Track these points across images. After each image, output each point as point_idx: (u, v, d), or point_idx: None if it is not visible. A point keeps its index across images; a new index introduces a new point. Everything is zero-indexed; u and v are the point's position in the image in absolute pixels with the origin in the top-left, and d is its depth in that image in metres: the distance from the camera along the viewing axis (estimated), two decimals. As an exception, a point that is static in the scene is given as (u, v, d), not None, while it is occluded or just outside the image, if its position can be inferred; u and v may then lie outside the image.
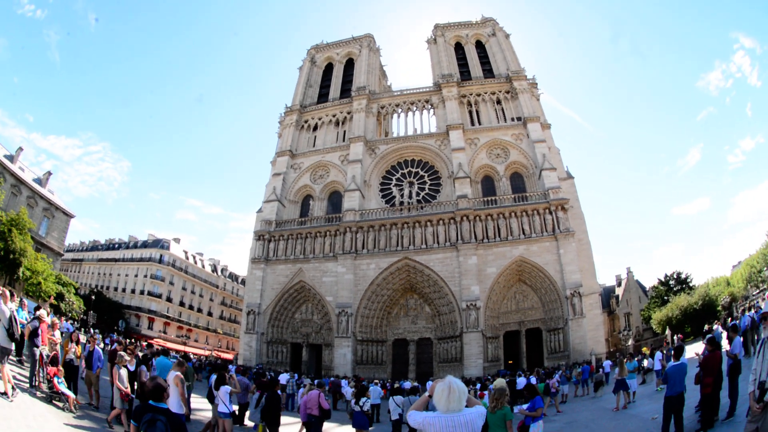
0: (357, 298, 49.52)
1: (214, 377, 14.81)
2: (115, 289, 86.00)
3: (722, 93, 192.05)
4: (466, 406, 4.94)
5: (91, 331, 50.82)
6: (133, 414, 6.34)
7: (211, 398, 14.07)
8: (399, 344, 50.68)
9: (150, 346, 52.49)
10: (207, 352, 74.38)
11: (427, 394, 5.42)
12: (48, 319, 15.82)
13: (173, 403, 11.13)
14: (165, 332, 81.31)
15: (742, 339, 20.09)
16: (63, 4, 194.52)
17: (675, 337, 42.82)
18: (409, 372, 47.85)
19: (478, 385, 19.69)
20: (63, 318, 43.32)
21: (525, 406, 12.49)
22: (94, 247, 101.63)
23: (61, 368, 13.86)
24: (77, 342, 15.12)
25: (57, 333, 16.16)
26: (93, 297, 68.93)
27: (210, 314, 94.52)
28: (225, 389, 13.27)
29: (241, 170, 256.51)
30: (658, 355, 25.01)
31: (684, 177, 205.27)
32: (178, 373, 11.46)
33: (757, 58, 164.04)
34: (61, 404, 13.15)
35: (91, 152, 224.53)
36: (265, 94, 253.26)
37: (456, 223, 49.36)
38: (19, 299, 19.94)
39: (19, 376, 14.43)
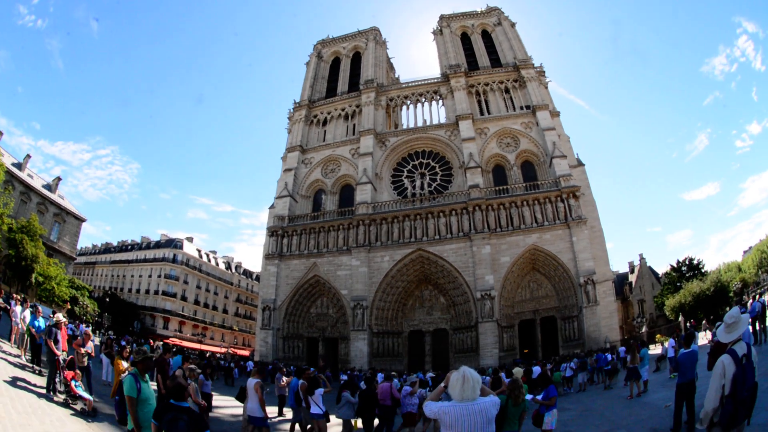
0: (372, 290, 49.59)
1: (297, 381, 14.97)
2: (129, 290, 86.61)
3: (728, 78, 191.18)
4: (481, 395, 5.11)
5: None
6: (155, 414, 6.32)
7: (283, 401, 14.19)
8: (415, 336, 50.72)
9: (165, 345, 52.92)
10: (223, 350, 74.75)
11: (442, 384, 5.56)
12: (65, 320, 15.71)
13: (254, 408, 11.69)
14: (180, 331, 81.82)
15: (751, 326, 20.07)
16: (63, 12, 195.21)
17: (687, 324, 42.69)
18: (426, 363, 47.87)
19: (502, 374, 19.64)
20: (79, 321, 43.70)
21: (539, 396, 12.57)
22: (107, 249, 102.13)
23: (78, 371, 13.82)
24: (127, 358, 14.94)
25: (90, 345, 16.06)
26: (107, 299, 69.39)
27: (225, 311, 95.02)
28: (319, 391, 13.73)
29: (250, 167, 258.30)
30: (671, 341, 24.87)
31: (693, 162, 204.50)
32: (259, 380, 12.04)
33: (760, 42, 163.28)
34: (78, 407, 13.15)
35: (100, 156, 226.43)
36: (272, 91, 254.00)
37: (468, 213, 49.23)
38: (31, 306, 19.93)
39: (38, 384, 14.35)
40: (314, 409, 13.34)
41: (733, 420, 6.27)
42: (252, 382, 11.96)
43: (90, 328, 47.09)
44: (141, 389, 7.00)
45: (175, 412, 6.00)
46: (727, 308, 40.95)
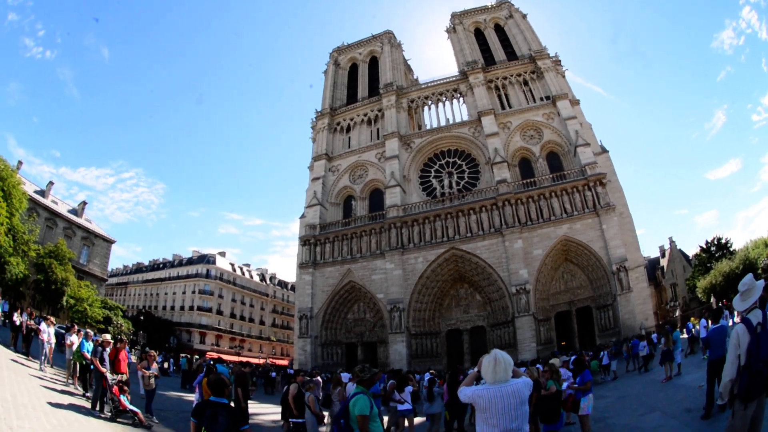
0: (407, 292, 49.80)
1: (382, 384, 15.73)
2: (164, 307, 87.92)
3: (737, 51, 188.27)
4: (513, 377, 5.25)
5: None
6: (194, 411, 6.39)
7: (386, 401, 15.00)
8: (452, 335, 50.82)
9: (201, 356, 53.51)
10: (262, 360, 75.45)
11: (475, 369, 5.71)
12: (112, 342, 15.67)
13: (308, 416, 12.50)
14: (218, 345, 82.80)
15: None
16: (71, 42, 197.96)
17: (719, 304, 42.19)
18: (465, 362, 47.47)
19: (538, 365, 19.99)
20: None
21: (575, 381, 12.78)
22: (139, 269, 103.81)
23: (126, 387, 13.88)
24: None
25: (155, 366, 16.06)
26: (141, 317, 70.17)
27: (262, 323, 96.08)
28: (409, 389, 14.55)
29: (277, 179, 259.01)
30: (703, 322, 24.78)
31: (713, 140, 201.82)
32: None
33: (763, 12, 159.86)
34: (129, 421, 13.26)
35: (125, 179, 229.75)
36: (293, 101, 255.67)
37: (498, 209, 49.31)
38: (78, 330, 20.05)
39: (84, 406, 14.32)
40: (403, 406, 14.00)
41: (748, 393, 6.11)
42: (351, 386, 12.76)
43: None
44: (372, 406, 6.98)
45: (215, 408, 6.06)
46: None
